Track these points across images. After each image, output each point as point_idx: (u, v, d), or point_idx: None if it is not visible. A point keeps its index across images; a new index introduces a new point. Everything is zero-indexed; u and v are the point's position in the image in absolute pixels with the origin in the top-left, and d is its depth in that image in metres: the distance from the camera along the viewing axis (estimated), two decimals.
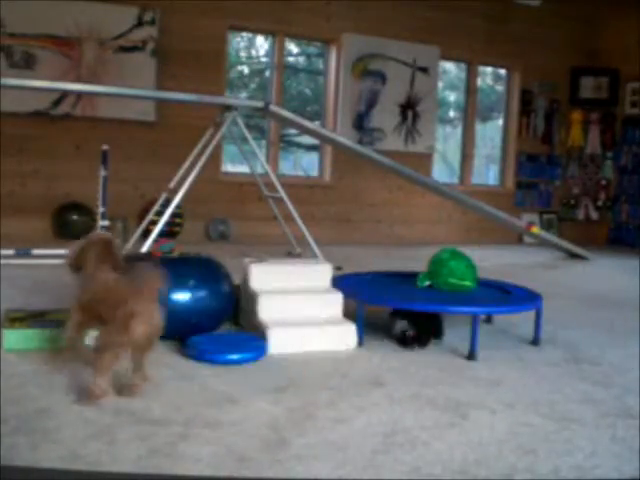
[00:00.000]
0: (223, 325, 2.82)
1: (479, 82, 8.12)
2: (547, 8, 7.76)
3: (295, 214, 4.76)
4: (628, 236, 7.96)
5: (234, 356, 2.39)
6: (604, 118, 8.17)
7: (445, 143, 8.52)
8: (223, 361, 2.38)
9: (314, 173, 7.36)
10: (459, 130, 8.17)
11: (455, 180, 8.02)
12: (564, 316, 3.52)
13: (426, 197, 7.16)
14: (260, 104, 4.83)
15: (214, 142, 4.62)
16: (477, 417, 1.96)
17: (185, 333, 2.55)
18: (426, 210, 7.51)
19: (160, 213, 4.49)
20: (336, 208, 7.13)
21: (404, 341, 2.72)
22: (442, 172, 8.15)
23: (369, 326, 2.82)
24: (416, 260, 4.67)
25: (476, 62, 7.87)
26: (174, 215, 4.81)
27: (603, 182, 8.22)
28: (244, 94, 7.51)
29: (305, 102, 7.92)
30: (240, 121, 4.64)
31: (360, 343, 2.70)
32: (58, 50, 5.87)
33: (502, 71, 8.25)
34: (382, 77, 7.19)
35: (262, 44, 7.44)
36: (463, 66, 8.00)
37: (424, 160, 7.44)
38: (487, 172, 8.69)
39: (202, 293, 2.65)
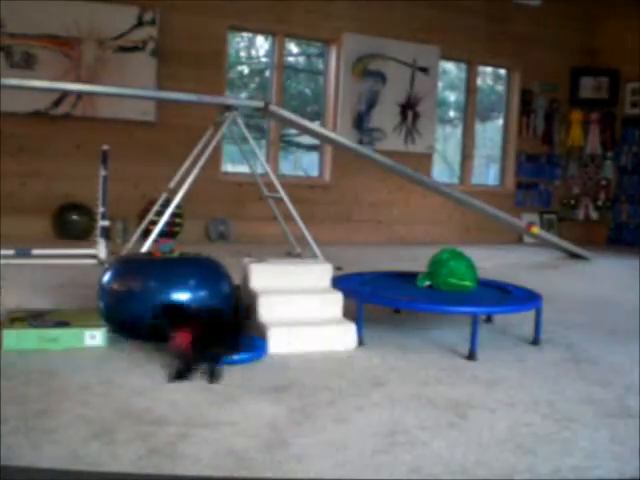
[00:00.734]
0: None
1: (479, 82, 8.12)
2: (547, 8, 7.76)
3: (295, 214, 4.76)
4: (628, 236, 7.96)
5: (234, 356, 2.39)
6: (604, 118, 8.17)
7: (445, 143, 8.53)
8: (223, 361, 2.37)
9: (314, 173, 7.36)
10: (459, 130, 8.18)
11: (455, 180, 8.02)
12: (564, 316, 3.52)
13: (426, 197, 7.17)
14: (260, 104, 4.83)
15: (214, 142, 4.62)
16: (477, 417, 1.96)
17: None
18: (426, 210, 7.51)
19: (160, 213, 4.49)
20: (336, 208, 7.13)
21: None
22: (442, 172, 8.16)
23: (369, 326, 2.82)
24: (416, 260, 4.67)
25: (476, 62, 7.87)
26: (174, 215, 4.81)
27: (603, 182, 8.22)
28: (244, 94, 7.51)
29: (305, 102, 7.93)
30: (240, 121, 4.64)
31: (360, 343, 2.70)
32: (58, 50, 5.87)
33: (502, 71, 8.25)
34: (382, 77, 7.19)
35: (262, 44, 7.44)
36: (463, 66, 8.00)
37: (424, 160, 7.44)
38: (487, 172, 8.70)
39: (202, 293, 2.65)
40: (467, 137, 7.98)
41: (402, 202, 7.42)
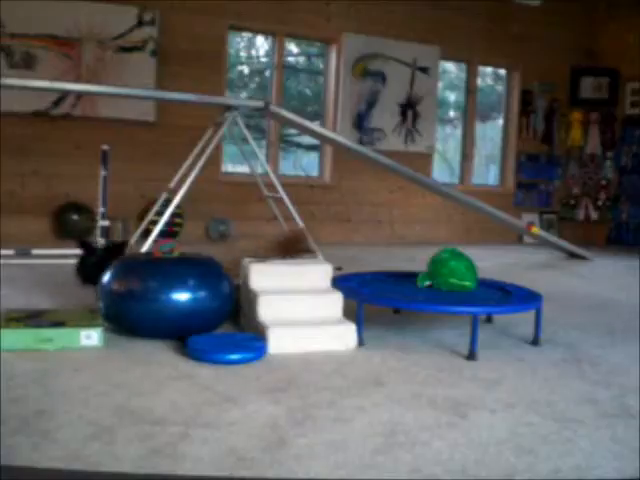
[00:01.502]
0: (223, 325, 2.82)
1: (479, 82, 8.12)
2: (547, 8, 7.76)
3: (295, 214, 4.76)
4: (628, 236, 7.96)
5: (234, 356, 2.39)
6: (604, 118, 8.17)
7: (445, 143, 8.52)
8: (223, 361, 2.38)
9: (314, 173, 7.36)
10: (459, 130, 8.18)
11: (455, 180, 8.02)
12: (564, 316, 3.52)
13: (426, 197, 7.17)
14: (260, 104, 4.83)
15: (214, 142, 4.61)
16: (477, 417, 1.96)
17: (185, 333, 2.56)
18: (426, 210, 7.51)
19: (160, 213, 4.48)
20: (336, 208, 7.13)
21: None
22: (442, 172, 8.15)
23: (369, 326, 2.82)
24: (416, 260, 4.67)
25: (476, 62, 7.87)
26: (174, 215, 4.80)
27: (603, 182, 8.22)
28: (244, 94, 7.51)
29: (305, 102, 7.93)
30: (240, 121, 4.64)
31: (360, 343, 2.70)
32: (58, 50, 5.87)
33: (502, 71, 8.25)
34: (382, 77, 7.19)
35: (262, 44, 7.44)
36: (463, 66, 8.00)
37: (424, 160, 7.44)
38: (487, 172, 8.70)
39: (202, 293, 2.65)
40: (467, 137, 7.98)
41: (402, 202, 7.42)
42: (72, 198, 5.96)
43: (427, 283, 3.07)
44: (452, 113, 8.59)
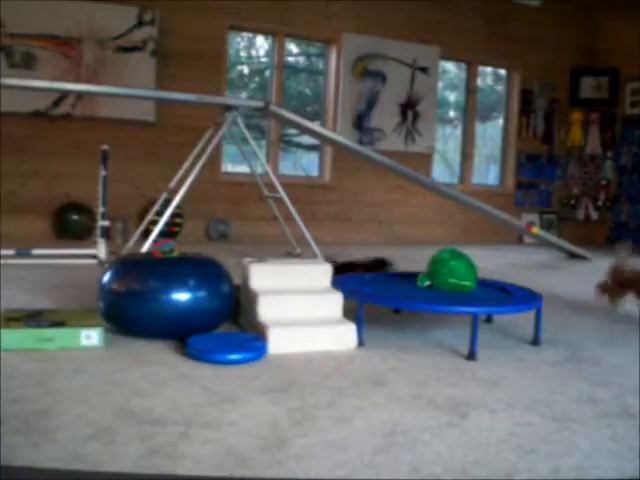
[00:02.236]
0: (223, 325, 2.82)
1: (479, 82, 8.13)
2: (547, 8, 7.77)
3: (295, 214, 4.76)
4: (628, 236, 7.95)
5: (234, 356, 2.39)
6: (604, 118, 8.17)
7: (445, 143, 8.52)
8: (223, 361, 2.38)
9: (314, 173, 7.36)
10: (459, 130, 8.18)
11: (455, 180, 8.02)
12: (564, 316, 3.52)
13: (426, 197, 7.17)
14: (260, 104, 4.83)
15: (214, 142, 4.62)
16: (477, 417, 1.96)
17: (185, 333, 2.56)
18: (426, 210, 7.51)
19: (160, 213, 4.49)
20: (336, 208, 7.13)
21: None
22: (442, 172, 8.16)
23: (369, 326, 2.82)
24: (416, 260, 4.67)
25: (476, 62, 7.87)
26: (174, 215, 4.81)
27: (603, 182, 8.23)
28: (244, 94, 7.51)
29: (305, 102, 7.93)
30: (240, 121, 4.65)
31: (360, 343, 2.70)
32: (58, 50, 5.88)
33: (502, 71, 8.25)
34: (382, 77, 7.19)
35: (262, 44, 7.44)
36: (463, 66, 8.00)
37: (424, 160, 7.44)
38: (487, 172, 8.70)
39: (202, 293, 2.65)
40: (467, 137, 7.98)
41: (402, 202, 7.42)
42: (72, 198, 5.96)
43: (427, 283, 3.07)
44: (452, 113, 8.59)
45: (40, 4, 5.73)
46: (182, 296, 2.61)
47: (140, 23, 6.11)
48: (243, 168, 6.48)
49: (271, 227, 5.89)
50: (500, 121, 8.35)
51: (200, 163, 4.49)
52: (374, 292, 2.97)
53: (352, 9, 7.00)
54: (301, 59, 7.82)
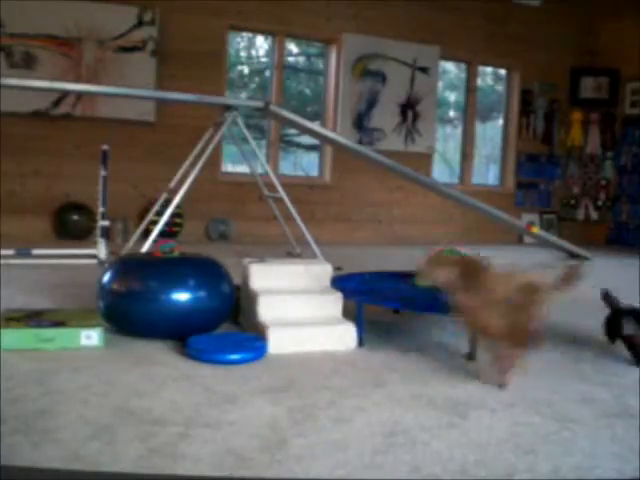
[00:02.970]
0: (223, 325, 2.82)
1: (479, 82, 8.12)
2: (547, 8, 7.77)
3: (295, 214, 4.76)
4: (628, 236, 7.96)
5: (234, 356, 2.39)
6: (604, 118, 8.17)
7: (445, 143, 8.53)
8: (223, 361, 2.38)
9: (314, 173, 7.36)
10: (459, 130, 8.18)
11: (455, 180, 8.02)
12: (564, 316, 3.52)
13: (426, 197, 7.17)
14: (260, 104, 4.83)
15: (214, 142, 4.62)
16: (477, 417, 1.96)
17: (185, 333, 2.55)
18: (426, 210, 7.51)
19: (160, 213, 4.49)
20: (336, 208, 7.13)
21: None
22: (442, 172, 8.16)
23: (369, 326, 2.82)
24: (416, 260, 4.66)
25: (476, 62, 7.87)
26: (174, 215, 4.81)
27: (603, 182, 8.23)
28: (244, 94, 7.51)
29: (305, 102, 7.93)
30: (240, 121, 4.65)
31: (360, 343, 2.70)
32: (58, 50, 5.88)
33: (502, 71, 8.25)
34: (382, 77, 7.19)
35: (262, 44, 7.44)
36: (463, 66, 8.00)
37: (424, 160, 7.44)
38: (487, 172, 8.70)
39: (202, 293, 2.65)
40: (467, 137, 7.98)
41: (402, 202, 7.42)
42: (72, 198, 5.97)
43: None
44: (452, 113, 8.59)
45: (40, 4, 5.73)
46: (182, 296, 2.60)
47: (140, 23, 6.11)
48: (243, 168, 6.48)
49: (271, 227, 5.89)
50: (500, 121, 8.35)
51: (200, 163, 4.49)
52: (374, 292, 2.97)
53: (352, 9, 7.00)
54: (301, 59, 7.82)
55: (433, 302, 2.85)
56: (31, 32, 5.75)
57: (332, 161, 7.12)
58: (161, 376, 2.21)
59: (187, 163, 4.77)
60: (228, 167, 7.01)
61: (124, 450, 1.62)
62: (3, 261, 3.94)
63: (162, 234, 4.22)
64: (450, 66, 8.24)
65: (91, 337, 2.51)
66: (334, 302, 2.82)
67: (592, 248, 6.89)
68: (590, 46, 8.17)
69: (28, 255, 4.16)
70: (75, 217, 5.94)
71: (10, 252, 4.08)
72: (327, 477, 1.54)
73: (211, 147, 4.57)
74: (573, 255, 6.38)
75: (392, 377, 2.32)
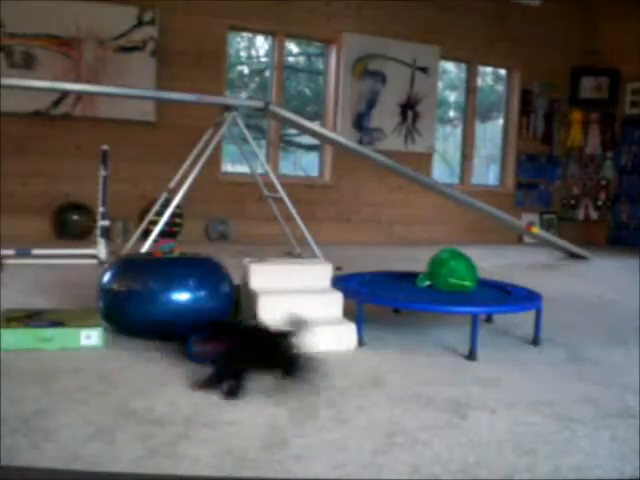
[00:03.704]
0: None
1: (479, 82, 8.12)
2: (547, 8, 7.77)
3: (295, 214, 4.76)
4: (628, 236, 7.96)
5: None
6: (604, 118, 8.17)
7: (445, 143, 8.53)
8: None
9: (314, 173, 7.36)
10: (459, 130, 8.18)
11: (455, 180, 8.02)
12: (564, 316, 3.52)
13: (426, 197, 7.16)
14: (260, 104, 4.83)
15: (214, 142, 4.62)
16: (477, 417, 1.96)
17: (185, 333, 2.55)
18: (426, 210, 7.51)
19: (160, 213, 4.49)
20: (336, 208, 7.13)
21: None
22: (442, 172, 8.16)
23: (369, 326, 2.82)
24: (416, 260, 4.67)
25: (476, 62, 7.87)
26: (174, 215, 4.81)
27: (603, 182, 8.23)
28: (244, 94, 7.51)
29: (305, 102, 7.93)
30: (240, 121, 4.64)
31: (360, 343, 2.70)
32: (58, 50, 5.88)
33: (502, 71, 8.25)
34: (382, 77, 7.19)
35: (262, 44, 7.44)
36: (463, 66, 8.00)
37: (424, 160, 7.44)
38: (487, 172, 8.70)
39: (202, 293, 2.65)
40: (467, 137, 7.98)
41: (402, 202, 7.42)
42: (72, 198, 5.96)
43: (427, 283, 3.07)
44: (452, 113, 8.59)
45: (40, 4, 5.72)
46: (182, 296, 2.60)
47: (140, 23, 6.11)
48: (243, 168, 6.48)
49: (271, 227, 5.89)
50: (500, 121, 8.35)
51: (200, 163, 4.48)
52: (374, 292, 2.97)
53: (352, 9, 7.00)
54: (301, 59, 7.82)
55: (433, 302, 2.85)
56: (31, 32, 5.75)
57: (332, 161, 7.12)
58: (161, 376, 2.21)
59: (187, 163, 4.77)
60: (228, 167, 7.01)
61: (124, 450, 1.62)
62: (3, 261, 3.94)
63: (162, 234, 4.22)
64: (450, 66, 8.24)
65: (91, 337, 2.51)
66: (334, 302, 2.82)
67: (592, 248, 6.89)
68: (590, 46, 8.17)
69: (28, 255, 4.16)
70: (75, 217, 5.94)
71: (10, 252, 4.07)
72: (327, 477, 1.54)
73: (211, 147, 4.56)
74: (573, 255, 6.38)
75: (392, 377, 2.32)
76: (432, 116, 7.50)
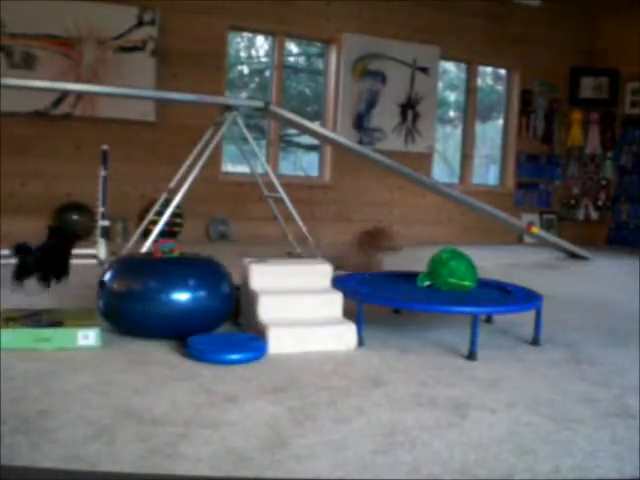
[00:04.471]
0: (223, 325, 2.82)
1: (479, 82, 8.12)
2: (547, 8, 7.76)
3: (295, 214, 4.76)
4: (628, 236, 7.96)
5: (234, 356, 2.39)
6: (604, 118, 8.17)
7: (445, 143, 8.52)
8: (223, 361, 2.38)
9: (314, 173, 7.36)
10: (459, 130, 8.18)
11: (455, 180, 8.02)
12: (564, 316, 3.52)
13: (426, 197, 7.16)
14: (260, 104, 4.83)
15: (214, 142, 4.61)
16: (477, 417, 1.96)
17: (185, 333, 2.56)
18: (426, 210, 7.51)
19: (160, 213, 4.49)
20: (336, 208, 7.13)
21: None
22: (442, 172, 8.16)
23: (369, 326, 2.82)
24: (416, 260, 4.67)
25: (476, 62, 7.87)
26: (174, 215, 4.81)
27: (603, 182, 8.22)
28: (244, 94, 7.51)
29: (305, 102, 7.93)
30: (240, 121, 4.64)
31: (360, 343, 2.70)
32: (58, 50, 5.87)
33: (502, 71, 8.25)
34: (382, 77, 7.19)
35: (262, 44, 7.44)
36: (463, 66, 8.00)
37: (424, 160, 7.44)
38: (487, 172, 8.70)
39: (202, 293, 2.65)
40: (467, 137, 7.98)
41: (402, 202, 7.42)
42: (72, 198, 5.96)
43: (427, 283, 3.07)
44: (452, 113, 8.59)
45: (40, 4, 5.72)
46: (182, 296, 2.61)
47: (140, 23, 6.11)
48: (243, 168, 6.48)
49: (271, 227, 5.88)
50: (500, 121, 8.35)
51: (200, 163, 4.48)
52: (374, 292, 2.97)
53: (352, 9, 7.00)
54: (301, 59, 7.82)
55: (433, 302, 2.85)
56: (31, 32, 5.74)
57: (332, 161, 7.12)
58: (161, 376, 2.21)
59: (187, 163, 4.76)
60: (228, 167, 7.01)
61: (124, 450, 1.62)
62: (3, 261, 3.93)
63: (162, 234, 4.22)
64: (450, 66, 8.24)
65: (88, 337, 2.51)
66: (334, 302, 2.82)
67: (592, 248, 6.89)
68: (590, 46, 8.17)
69: None
70: (75, 217, 5.93)
71: (10, 252, 4.06)
72: (327, 477, 1.54)
73: (211, 147, 4.56)
74: (573, 255, 6.38)
75: (392, 377, 2.32)
76: (432, 116, 7.50)
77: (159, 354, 2.47)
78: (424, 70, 7.36)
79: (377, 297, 2.91)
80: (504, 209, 6.43)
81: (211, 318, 2.71)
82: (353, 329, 2.69)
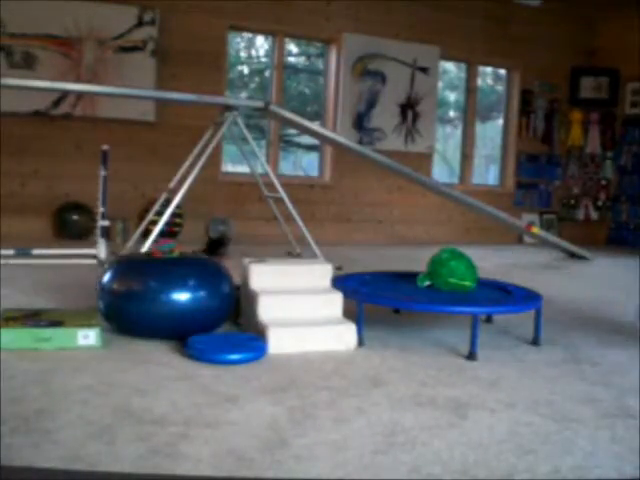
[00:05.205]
0: (223, 325, 2.82)
1: (479, 82, 8.12)
2: (547, 8, 7.76)
3: (295, 214, 4.76)
4: (628, 236, 7.96)
5: (234, 356, 2.40)
6: (604, 118, 8.17)
7: (445, 143, 8.52)
8: (223, 361, 2.38)
9: (314, 173, 7.36)
10: (459, 130, 8.18)
11: (455, 180, 8.02)
12: (564, 316, 3.52)
13: (426, 197, 7.16)
14: (260, 104, 4.83)
15: (214, 142, 4.61)
16: (477, 417, 1.96)
17: (185, 333, 2.55)
18: (426, 210, 7.51)
19: (160, 213, 4.49)
20: (336, 208, 7.13)
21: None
22: (442, 172, 8.15)
23: (369, 326, 2.82)
24: (416, 260, 4.67)
25: (476, 62, 7.87)
26: (174, 215, 4.81)
27: (603, 182, 8.22)
28: (244, 94, 7.51)
29: (305, 102, 7.93)
30: (240, 121, 4.64)
31: (360, 343, 2.70)
32: (58, 50, 5.87)
33: (502, 71, 8.25)
34: (382, 77, 7.19)
35: (262, 44, 7.44)
36: (463, 66, 8.00)
37: (424, 160, 7.44)
38: (487, 172, 8.69)
39: (202, 293, 2.65)
40: (467, 137, 7.98)
41: (402, 202, 7.42)
42: (72, 198, 5.96)
43: (427, 283, 3.07)
44: (452, 113, 8.59)
45: (40, 4, 5.72)
46: (182, 296, 2.61)
47: (140, 23, 6.11)
48: (243, 168, 6.48)
49: (271, 227, 5.88)
50: (500, 121, 8.35)
51: (200, 163, 4.48)
52: (374, 292, 2.97)
53: (352, 9, 7.00)
54: (301, 59, 7.82)
55: (433, 302, 2.85)
56: (31, 32, 5.74)
57: (332, 161, 7.11)
58: (161, 376, 2.21)
59: (187, 163, 4.76)
60: (228, 167, 7.01)
61: (124, 450, 1.62)
62: (3, 261, 3.94)
63: (162, 234, 4.22)
64: (450, 66, 8.24)
65: (88, 337, 2.51)
66: (334, 302, 2.82)
67: (592, 248, 6.89)
68: (590, 46, 8.17)
69: (28, 255, 4.15)
70: (75, 217, 5.93)
71: (10, 252, 4.07)
72: (327, 477, 1.54)
73: (211, 147, 4.56)
74: (573, 255, 6.38)
75: (392, 377, 2.32)
76: (432, 116, 7.50)
77: (159, 354, 2.46)
78: (424, 70, 7.36)
79: (377, 297, 2.91)
80: (504, 209, 6.43)
81: (211, 318, 2.71)
82: (353, 329, 2.69)
